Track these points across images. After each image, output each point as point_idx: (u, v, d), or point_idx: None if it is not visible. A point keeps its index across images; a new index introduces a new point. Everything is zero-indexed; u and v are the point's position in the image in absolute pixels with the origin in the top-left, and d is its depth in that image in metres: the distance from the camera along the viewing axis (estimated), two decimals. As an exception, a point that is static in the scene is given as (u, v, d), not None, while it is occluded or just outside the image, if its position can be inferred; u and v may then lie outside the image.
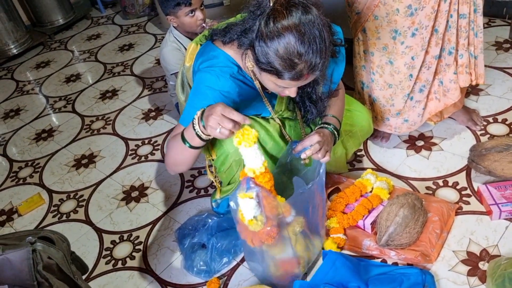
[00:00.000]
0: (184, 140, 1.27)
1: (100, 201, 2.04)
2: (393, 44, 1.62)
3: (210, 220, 1.69)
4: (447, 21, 1.59)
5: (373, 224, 1.56)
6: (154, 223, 1.86)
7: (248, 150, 1.18)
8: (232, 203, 1.26)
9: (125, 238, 1.82)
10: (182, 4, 2.00)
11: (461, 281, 1.39)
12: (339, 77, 1.49)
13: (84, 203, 2.05)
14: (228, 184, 1.61)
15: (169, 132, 2.35)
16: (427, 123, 1.88)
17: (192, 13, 2.03)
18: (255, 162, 1.21)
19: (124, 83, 2.89)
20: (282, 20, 1.12)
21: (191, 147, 1.27)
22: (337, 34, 1.39)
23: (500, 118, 1.94)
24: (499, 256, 1.42)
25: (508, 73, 2.18)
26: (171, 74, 2.21)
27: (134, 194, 2.03)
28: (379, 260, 1.51)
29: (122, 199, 2.02)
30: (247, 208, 1.21)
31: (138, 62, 3.09)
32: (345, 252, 1.55)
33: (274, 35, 1.12)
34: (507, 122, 1.91)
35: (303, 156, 1.36)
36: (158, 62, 3.02)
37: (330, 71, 1.45)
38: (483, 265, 1.41)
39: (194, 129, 1.21)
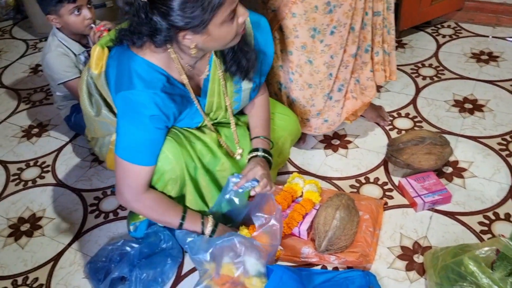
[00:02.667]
0: (180, 225, 1.34)
1: (-20, 241, 1.67)
2: (312, 43, 1.57)
3: (129, 248, 1.47)
4: (362, 19, 1.59)
5: (309, 230, 1.49)
6: (55, 259, 1.56)
7: None
8: None
9: (19, 282, 1.50)
10: (65, 0, 1.74)
11: (401, 277, 1.39)
12: (268, 67, 1.44)
13: (-42, 247, 1.65)
14: None
15: (59, 150, 2.03)
16: (343, 122, 1.89)
17: (77, 11, 1.78)
18: None
19: (-7, 96, 2.46)
20: None
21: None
22: None
23: (403, 112, 2.03)
24: (431, 247, 1.46)
25: (402, 70, 2.31)
26: (58, 84, 1.91)
27: (24, 228, 1.69)
28: (319, 267, 1.45)
29: (9, 235, 1.67)
30: None
31: (8, 72, 2.65)
32: (282, 263, 1.46)
33: None
34: (410, 116, 2.00)
35: (252, 193, 1.35)
36: (33, 70, 2.63)
37: (259, 61, 1.37)
38: (417, 258, 1.43)
39: (203, 232, 1.35)
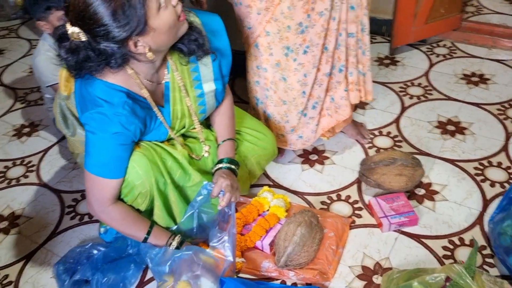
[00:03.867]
0: (145, 239, 1.38)
1: (-42, 236, 1.73)
2: (285, 61, 1.60)
3: (95, 251, 1.51)
4: (337, 40, 1.61)
5: (272, 244, 1.51)
6: (27, 258, 1.61)
7: None
8: None
9: (-10, 278, 1.56)
10: (53, 8, 1.79)
11: (357, 297, 1.40)
12: (228, 68, 1.47)
13: None
14: None
15: (46, 151, 2.09)
16: (320, 138, 1.90)
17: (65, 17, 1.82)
18: None
19: (-9, 94, 2.54)
20: None
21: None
22: None
23: (384, 131, 2.04)
24: (391, 268, 1.46)
25: (390, 88, 2.31)
26: (47, 86, 1.97)
27: (2, 225, 1.75)
28: (279, 281, 1.47)
29: (-13, 232, 1.73)
30: None
31: (9, 71, 2.74)
32: (243, 275, 1.48)
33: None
34: (391, 135, 2.01)
35: (219, 208, 1.38)
36: (32, 70, 2.71)
37: (217, 63, 1.41)
38: (376, 279, 1.44)
39: (169, 245, 1.39)
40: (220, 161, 1.46)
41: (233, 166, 1.46)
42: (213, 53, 1.35)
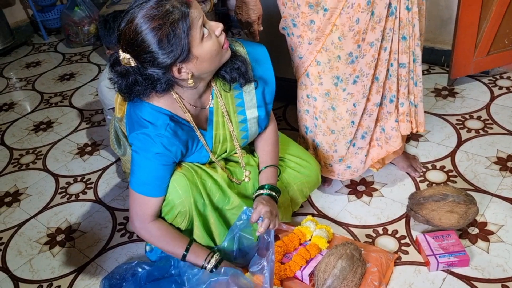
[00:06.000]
0: (184, 257, 1.41)
1: (20, 245, 1.86)
2: (335, 91, 1.60)
3: (140, 269, 1.56)
4: (388, 70, 1.60)
5: (311, 275, 1.49)
6: (78, 271, 1.70)
7: None
8: None
9: (44, 288, 1.66)
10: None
11: (398, 338, 1.34)
12: (271, 96, 1.50)
13: (2, 247, 1.85)
14: None
15: (104, 169, 2.21)
16: (369, 169, 1.86)
17: None
18: None
19: (61, 114, 2.73)
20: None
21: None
22: None
23: (438, 165, 1.96)
24: (437, 310, 1.39)
25: (446, 120, 2.23)
26: (109, 109, 2.11)
27: (59, 238, 1.86)
28: (317, 314, 1.44)
29: (46, 243, 1.85)
30: None
31: (78, 93, 2.94)
32: (282, 305, 1.47)
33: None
34: (445, 169, 1.93)
35: (257, 234, 1.39)
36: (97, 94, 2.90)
37: (260, 90, 1.45)
38: (421, 320, 1.37)
39: (204, 267, 1.39)
40: (261, 187, 1.48)
41: (273, 193, 1.46)
42: (255, 81, 1.39)
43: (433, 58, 2.68)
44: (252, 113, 1.45)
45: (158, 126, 1.28)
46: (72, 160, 2.32)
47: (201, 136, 1.39)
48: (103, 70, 3.15)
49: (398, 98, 1.67)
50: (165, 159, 1.32)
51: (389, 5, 1.49)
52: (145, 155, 1.30)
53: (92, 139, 2.46)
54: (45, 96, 2.96)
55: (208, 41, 1.21)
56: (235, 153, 1.51)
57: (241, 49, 1.38)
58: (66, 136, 2.52)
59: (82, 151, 2.38)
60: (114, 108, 2.07)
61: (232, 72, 1.33)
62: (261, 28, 1.62)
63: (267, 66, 1.44)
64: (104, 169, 2.22)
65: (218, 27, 1.24)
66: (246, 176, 1.52)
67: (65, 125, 2.62)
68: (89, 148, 2.39)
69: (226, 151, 1.48)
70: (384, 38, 1.54)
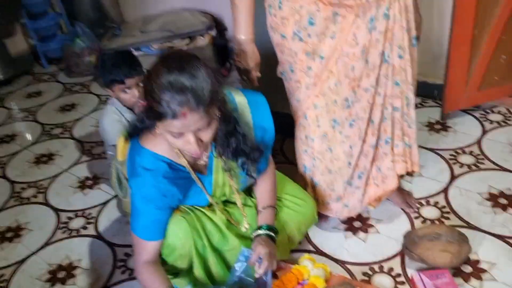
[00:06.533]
0: None
1: (22, 282, 1.88)
2: (332, 133, 1.66)
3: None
4: (382, 113, 1.66)
5: (310, 315, 1.53)
6: (80, 309, 1.73)
7: None
8: None
9: (46, 326, 1.68)
10: (115, 82, 1.99)
11: None
12: (270, 142, 1.53)
13: (4, 285, 1.88)
14: (172, 274, 1.54)
15: (105, 203, 2.25)
16: (366, 206, 1.91)
17: (127, 90, 2.01)
18: None
19: (62, 146, 2.78)
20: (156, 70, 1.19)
21: None
22: (230, 101, 1.41)
23: (432, 201, 2.01)
24: None
25: (440, 155, 2.29)
26: (111, 145, 2.15)
27: (60, 275, 1.89)
28: None
29: (47, 280, 1.87)
30: None
31: (79, 124, 2.99)
32: None
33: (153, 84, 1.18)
34: (438, 205, 1.98)
35: (256, 276, 1.42)
36: (99, 129, 2.94)
37: (260, 138, 1.48)
38: None
39: None
40: (260, 228, 1.52)
41: (272, 234, 1.51)
42: (261, 151, 1.45)
43: (426, 92, 2.75)
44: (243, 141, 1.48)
45: (157, 173, 1.34)
46: (74, 194, 2.36)
47: (199, 182, 1.44)
48: (104, 100, 3.22)
49: (393, 140, 1.73)
50: (163, 204, 1.37)
51: (383, 53, 1.56)
52: (143, 200, 1.36)
53: (93, 172, 2.50)
54: (46, 127, 3.01)
55: (172, 138, 1.23)
56: (233, 194, 1.56)
57: (241, 98, 1.44)
58: (67, 169, 2.56)
59: (83, 185, 2.42)
60: (115, 145, 2.12)
61: (225, 149, 1.38)
62: (259, 75, 1.69)
63: (266, 114, 1.50)
64: (105, 203, 2.26)
65: (189, 147, 1.24)
66: (245, 226, 1.56)
67: (66, 158, 2.66)
68: (90, 182, 2.43)
69: (225, 195, 1.53)
70: (378, 83, 1.61)
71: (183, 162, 1.39)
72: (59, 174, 2.52)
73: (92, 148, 2.72)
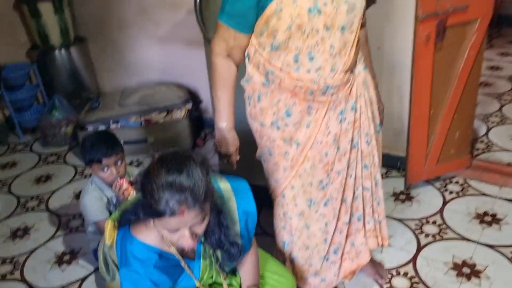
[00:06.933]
0: None
1: None
2: (309, 211, 1.79)
3: None
4: (354, 193, 1.82)
5: None
6: None
7: None
8: None
9: None
10: (94, 161, 2.08)
11: None
12: (253, 225, 1.61)
13: None
14: None
15: (83, 280, 2.25)
16: (342, 280, 2.01)
17: (105, 169, 2.09)
18: None
19: (38, 220, 2.78)
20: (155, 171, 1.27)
21: None
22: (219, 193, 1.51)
23: (402, 271, 2.14)
24: None
25: (406, 225, 2.45)
26: (91, 223, 2.20)
27: None
28: None
29: None
30: None
31: (55, 196, 3.01)
32: None
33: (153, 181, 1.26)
34: (408, 276, 2.10)
35: None
36: (76, 196, 2.98)
37: (244, 222, 1.57)
38: None
39: None
40: None
41: None
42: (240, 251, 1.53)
43: (390, 163, 2.95)
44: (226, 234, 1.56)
45: (148, 264, 1.40)
46: (50, 270, 2.35)
47: (188, 268, 1.50)
48: (80, 172, 3.26)
49: (364, 217, 1.87)
50: None
51: (352, 140, 1.73)
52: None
53: (70, 246, 2.51)
54: (21, 200, 3.00)
55: (172, 233, 1.31)
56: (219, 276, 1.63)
57: (225, 185, 1.55)
58: (44, 243, 2.56)
59: (60, 260, 2.42)
60: (97, 222, 2.17)
61: (211, 240, 1.46)
62: (238, 158, 1.82)
63: (249, 199, 1.61)
64: (83, 279, 2.26)
65: (184, 242, 1.31)
66: None
67: (43, 231, 2.66)
68: (67, 257, 2.43)
69: (212, 277, 1.60)
70: (349, 167, 1.77)
71: (173, 250, 1.46)
72: (35, 249, 2.52)
73: (70, 221, 2.73)
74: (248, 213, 1.60)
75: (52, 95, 3.72)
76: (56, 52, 3.76)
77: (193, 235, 1.32)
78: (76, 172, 3.28)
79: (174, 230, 1.30)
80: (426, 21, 2.26)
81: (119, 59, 3.93)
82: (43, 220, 2.77)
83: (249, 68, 1.66)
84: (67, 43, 3.78)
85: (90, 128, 3.25)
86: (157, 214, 1.26)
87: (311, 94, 1.59)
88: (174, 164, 1.27)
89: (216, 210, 1.43)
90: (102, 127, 3.25)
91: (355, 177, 1.79)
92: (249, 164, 1.87)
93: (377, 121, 1.81)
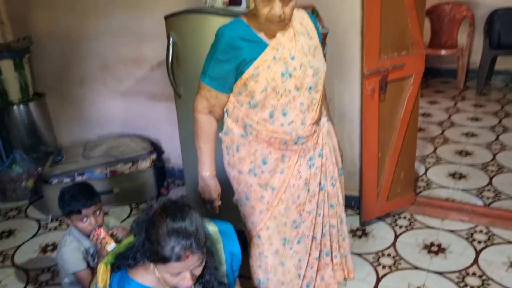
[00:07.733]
0: None
1: None
2: (283, 249, 1.98)
3: None
4: (322, 230, 2.04)
5: None
6: None
7: None
8: None
9: None
10: (73, 212, 2.16)
11: None
12: (238, 265, 1.75)
13: None
14: None
15: (61, 333, 2.25)
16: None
17: (84, 219, 2.18)
18: None
19: (4, 276, 2.74)
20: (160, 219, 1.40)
21: None
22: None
23: (366, 303, 2.35)
24: None
25: (365, 258, 2.68)
26: (70, 273, 2.24)
27: None
28: None
29: None
30: None
31: (20, 251, 2.98)
32: None
33: (156, 228, 1.38)
34: (371, 309, 2.32)
35: None
36: (43, 250, 2.97)
37: (229, 263, 1.71)
38: None
39: None
40: None
41: None
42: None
43: (345, 202, 3.21)
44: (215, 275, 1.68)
45: None
46: (24, 327, 2.33)
47: None
48: (44, 225, 3.25)
49: (332, 252, 2.09)
50: None
51: (320, 183, 1.97)
52: None
53: (43, 301, 2.51)
54: (-16, 257, 2.95)
55: (170, 277, 1.41)
56: None
57: (212, 228, 1.71)
58: (14, 300, 2.53)
59: (33, 316, 2.41)
60: (75, 272, 2.22)
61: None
62: (220, 203, 2.00)
63: (234, 241, 1.76)
64: (60, 333, 2.27)
65: (186, 281, 1.41)
66: None
67: (11, 287, 2.63)
68: (41, 312, 2.43)
69: None
70: (318, 206, 1.99)
71: None
72: (5, 307, 2.49)
73: (38, 276, 2.72)
74: (234, 254, 1.76)
75: (10, 150, 3.71)
76: (15, 107, 3.80)
77: (193, 276, 1.46)
78: (39, 226, 3.26)
79: (176, 274, 1.42)
80: (370, 77, 2.61)
81: (78, 113, 4.02)
82: (9, 276, 2.74)
83: (228, 122, 1.87)
84: (26, 99, 3.83)
85: (55, 182, 3.28)
86: (163, 259, 1.37)
87: (284, 144, 1.82)
88: (177, 212, 1.41)
89: (209, 252, 1.58)
90: (67, 180, 3.29)
91: (323, 216, 2.02)
92: (228, 208, 2.04)
93: (340, 165, 2.07)
